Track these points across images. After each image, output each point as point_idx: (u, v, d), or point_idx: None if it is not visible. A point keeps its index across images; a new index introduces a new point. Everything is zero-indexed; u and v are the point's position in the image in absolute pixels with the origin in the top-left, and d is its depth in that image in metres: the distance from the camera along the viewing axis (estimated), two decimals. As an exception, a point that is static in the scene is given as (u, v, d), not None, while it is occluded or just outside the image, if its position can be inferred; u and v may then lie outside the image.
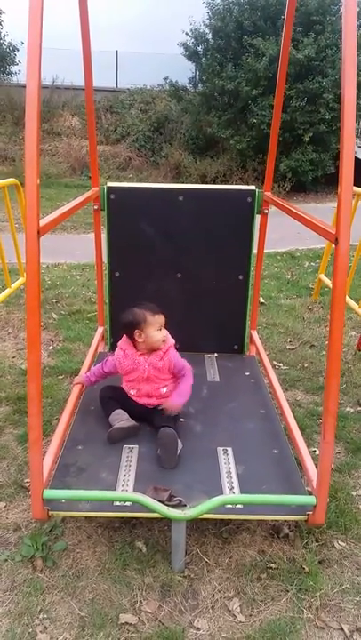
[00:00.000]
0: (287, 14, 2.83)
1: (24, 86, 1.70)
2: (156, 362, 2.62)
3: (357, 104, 12.57)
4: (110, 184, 3.26)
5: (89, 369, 3.18)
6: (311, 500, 2.05)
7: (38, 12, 1.67)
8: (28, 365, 1.84)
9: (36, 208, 1.72)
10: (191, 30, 13.46)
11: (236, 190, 3.32)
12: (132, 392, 2.68)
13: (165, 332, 2.64)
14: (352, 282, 4.92)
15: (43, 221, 1.85)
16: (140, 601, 2.00)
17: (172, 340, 2.66)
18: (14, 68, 16.49)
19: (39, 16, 1.67)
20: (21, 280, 4.77)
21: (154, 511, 1.98)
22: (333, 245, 1.79)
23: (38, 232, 1.73)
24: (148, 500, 1.98)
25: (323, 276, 5.20)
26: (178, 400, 2.58)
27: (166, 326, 2.67)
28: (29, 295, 1.78)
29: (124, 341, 2.69)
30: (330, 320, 1.81)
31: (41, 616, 1.94)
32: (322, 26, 11.85)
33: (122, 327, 2.67)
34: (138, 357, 2.63)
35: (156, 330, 2.59)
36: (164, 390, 2.66)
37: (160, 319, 2.59)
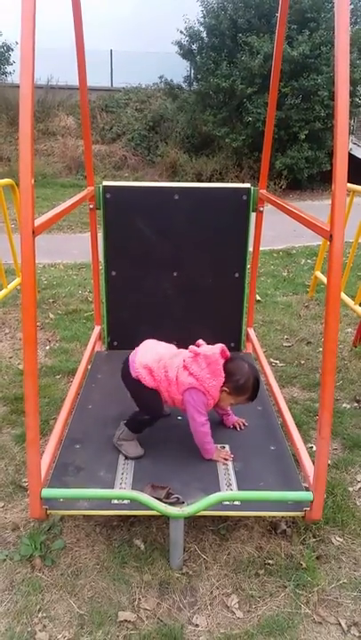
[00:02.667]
0: (280, 12, 2.84)
1: (19, 86, 1.70)
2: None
3: (352, 101, 12.64)
4: (106, 183, 3.26)
5: (86, 369, 3.19)
6: (308, 496, 2.06)
7: (31, 11, 1.67)
8: (25, 365, 1.84)
9: (31, 208, 1.72)
10: (186, 28, 13.44)
11: (232, 188, 3.32)
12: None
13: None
14: (348, 279, 4.93)
15: (38, 221, 1.85)
16: (139, 598, 2.01)
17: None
18: (9, 68, 16.43)
19: (32, 15, 1.67)
20: (18, 280, 4.76)
21: (152, 509, 1.98)
22: (328, 242, 1.79)
23: (33, 232, 1.73)
24: (145, 497, 1.99)
25: (319, 274, 5.21)
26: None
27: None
28: (25, 295, 1.78)
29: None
30: (325, 317, 1.81)
31: (40, 615, 1.94)
32: (316, 23, 11.86)
33: (234, 382, 2.37)
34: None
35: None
36: None
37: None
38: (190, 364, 2.35)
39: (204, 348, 2.42)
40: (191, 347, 2.42)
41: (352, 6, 12.71)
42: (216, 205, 3.24)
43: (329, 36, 11.57)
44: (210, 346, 2.43)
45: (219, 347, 2.40)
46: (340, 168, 1.69)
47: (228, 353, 2.42)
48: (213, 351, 2.37)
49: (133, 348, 3.36)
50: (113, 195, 3.23)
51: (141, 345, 2.54)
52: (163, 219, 3.24)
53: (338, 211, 1.71)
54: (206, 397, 2.35)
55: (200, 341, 2.47)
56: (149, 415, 2.44)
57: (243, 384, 2.36)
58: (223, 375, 2.34)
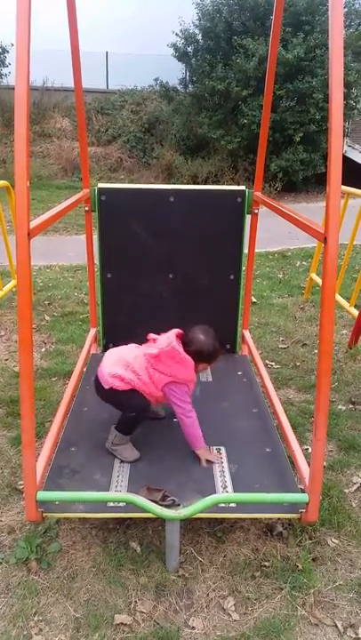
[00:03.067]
0: (275, 14, 2.85)
1: (14, 88, 1.70)
2: None
3: (346, 103, 12.68)
4: (101, 185, 3.27)
5: (82, 371, 3.18)
6: (304, 497, 2.06)
7: (26, 12, 1.67)
8: (20, 367, 1.84)
9: (26, 210, 1.72)
10: (181, 31, 13.45)
11: (227, 191, 3.33)
12: None
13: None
14: (343, 281, 4.94)
15: (33, 223, 1.85)
16: (135, 601, 2.00)
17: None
18: (4, 70, 16.41)
19: (27, 17, 1.67)
20: (13, 282, 4.76)
21: (148, 511, 1.98)
22: (323, 245, 1.80)
23: (28, 234, 1.73)
24: (141, 500, 1.99)
25: (314, 275, 5.23)
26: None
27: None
28: (21, 297, 1.77)
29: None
30: (320, 318, 1.82)
31: (36, 618, 1.94)
32: (311, 26, 11.90)
33: (200, 352, 2.41)
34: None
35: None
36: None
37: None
38: (157, 365, 2.37)
39: (160, 342, 2.41)
40: (147, 349, 2.42)
41: (346, 9, 12.77)
42: (211, 207, 3.25)
43: (324, 38, 11.61)
44: (164, 336, 2.43)
45: (174, 334, 2.42)
46: (335, 171, 1.70)
47: (180, 331, 2.44)
48: (171, 343, 2.36)
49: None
50: (108, 197, 3.23)
51: (105, 357, 2.53)
52: (158, 221, 3.24)
53: (332, 213, 1.72)
54: (187, 386, 2.41)
55: (151, 336, 2.48)
56: (135, 412, 2.43)
57: (211, 352, 2.43)
58: (190, 358, 2.37)
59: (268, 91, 3.12)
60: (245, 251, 3.41)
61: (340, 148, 1.70)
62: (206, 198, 3.27)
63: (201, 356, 2.41)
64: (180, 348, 2.37)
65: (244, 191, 3.24)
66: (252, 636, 1.88)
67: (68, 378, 3.42)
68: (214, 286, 3.39)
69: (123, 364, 2.42)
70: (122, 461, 2.41)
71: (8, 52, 15.95)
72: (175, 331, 2.45)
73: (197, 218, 3.25)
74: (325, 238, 1.76)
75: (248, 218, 3.33)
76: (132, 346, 2.56)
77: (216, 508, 2.07)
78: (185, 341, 2.41)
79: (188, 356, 2.37)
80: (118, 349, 2.56)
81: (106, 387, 2.41)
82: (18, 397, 3.16)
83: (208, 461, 2.41)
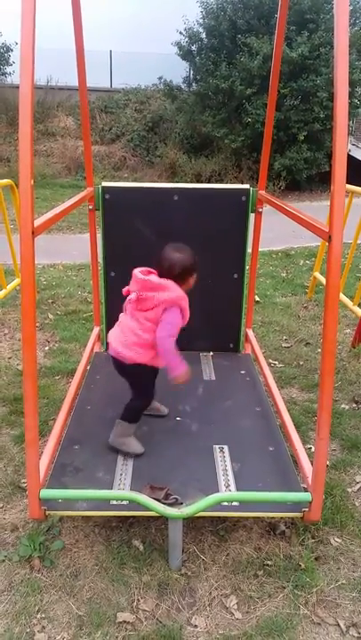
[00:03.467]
0: (280, 13, 2.84)
1: (18, 87, 1.70)
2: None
3: (350, 102, 12.64)
4: (105, 184, 3.27)
5: (85, 369, 3.19)
6: (307, 496, 2.06)
7: (31, 11, 1.67)
8: (24, 365, 1.84)
9: (31, 208, 1.72)
10: (185, 29, 13.45)
11: (231, 189, 3.32)
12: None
13: None
14: (347, 280, 4.93)
15: (37, 222, 1.85)
16: (138, 599, 2.01)
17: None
18: (8, 69, 16.44)
19: (32, 16, 1.67)
20: (17, 281, 4.76)
21: (150, 510, 1.98)
22: (327, 243, 1.80)
23: (33, 232, 1.74)
24: (144, 498, 1.99)
25: (318, 274, 5.22)
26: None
27: None
28: (25, 296, 1.78)
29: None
30: (324, 318, 1.82)
31: (39, 616, 1.94)
32: (315, 24, 11.87)
33: (183, 269, 2.33)
34: None
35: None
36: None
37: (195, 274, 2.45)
38: (142, 306, 2.30)
39: (133, 291, 2.33)
40: (127, 305, 2.38)
41: (351, 7, 12.72)
42: (215, 206, 3.24)
43: (328, 37, 11.58)
44: (138, 281, 2.32)
45: (140, 272, 2.33)
46: (339, 169, 1.69)
47: (148, 269, 2.36)
48: (141, 279, 2.29)
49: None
50: (112, 195, 3.23)
51: (108, 338, 2.50)
52: (162, 219, 3.24)
53: (337, 212, 1.72)
54: (180, 311, 2.31)
55: (129, 289, 2.37)
56: (146, 397, 2.50)
57: (193, 262, 2.36)
58: (173, 282, 2.29)
59: (272, 89, 3.11)
60: (249, 249, 3.41)
61: (344, 146, 1.69)
62: (210, 197, 3.27)
63: (186, 273, 2.34)
64: (154, 277, 2.29)
65: (248, 190, 3.24)
66: (254, 634, 1.88)
67: (72, 376, 3.43)
68: (218, 285, 3.38)
69: (121, 331, 2.40)
70: (126, 456, 2.41)
71: (12, 50, 15.97)
72: (140, 270, 2.36)
73: (201, 216, 3.25)
74: (330, 237, 1.75)
75: (252, 216, 3.33)
76: (123, 315, 2.47)
77: (219, 506, 2.07)
78: (166, 271, 2.31)
79: (165, 280, 2.28)
80: (115, 326, 2.49)
81: (128, 361, 2.35)
82: (21, 395, 3.17)
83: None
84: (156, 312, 2.29)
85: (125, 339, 2.36)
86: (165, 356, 2.29)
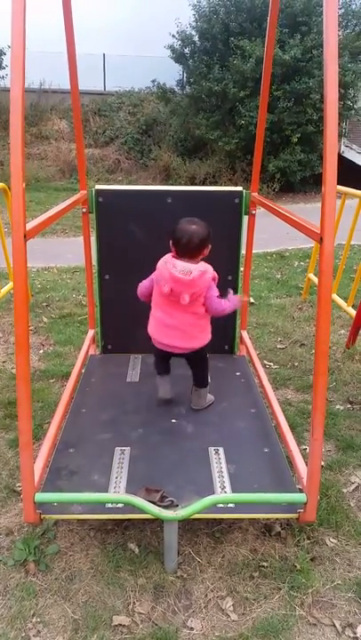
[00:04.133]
0: (270, 15, 2.85)
1: (8, 90, 1.70)
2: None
3: (343, 104, 12.71)
4: (98, 187, 3.27)
5: (79, 372, 3.19)
6: (302, 497, 2.06)
7: (21, 14, 1.67)
8: (17, 369, 1.84)
9: (23, 212, 1.72)
10: (178, 32, 13.47)
11: (224, 192, 3.33)
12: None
13: None
14: (341, 280, 4.94)
15: (30, 225, 1.85)
16: (134, 602, 2.00)
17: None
18: (1, 72, 16.43)
19: (21, 19, 1.67)
20: (11, 284, 4.75)
21: (146, 512, 1.98)
22: (319, 245, 1.80)
23: (25, 236, 1.74)
24: (139, 501, 1.99)
25: (312, 276, 5.23)
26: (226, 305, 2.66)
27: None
28: (17, 299, 1.78)
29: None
30: (316, 318, 1.82)
31: (34, 620, 1.94)
32: (308, 27, 11.92)
33: (201, 240, 2.51)
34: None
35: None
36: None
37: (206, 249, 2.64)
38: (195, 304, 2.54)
39: (175, 290, 2.49)
40: (165, 299, 2.56)
41: (342, 10, 12.80)
42: (209, 208, 3.24)
43: (320, 39, 11.61)
44: (168, 274, 2.49)
45: (171, 263, 2.50)
46: (330, 171, 1.70)
47: (174, 256, 2.54)
48: (190, 284, 2.47)
49: (127, 352, 3.38)
50: (105, 198, 3.23)
51: (160, 338, 2.66)
52: (156, 222, 3.24)
53: (328, 213, 1.73)
54: (215, 280, 2.57)
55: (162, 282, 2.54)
56: (207, 362, 2.85)
57: (207, 236, 2.54)
58: (196, 264, 2.50)
59: (264, 91, 3.12)
60: (243, 251, 3.42)
61: (335, 149, 1.70)
62: (204, 199, 3.28)
63: (203, 244, 2.53)
64: (188, 275, 2.45)
65: (241, 192, 3.25)
66: (250, 636, 1.88)
67: (66, 379, 3.42)
68: None
69: (183, 334, 2.61)
70: (122, 455, 2.41)
71: (5, 54, 15.95)
72: (168, 259, 2.55)
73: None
74: (321, 238, 1.76)
75: (245, 219, 3.33)
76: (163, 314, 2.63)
77: (214, 508, 2.07)
78: (185, 245, 2.48)
79: (192, 269, 2.46)
80: (162, 327, 2.64)
81: (197, 348, 2.65)
82: (16, 399, 3.17)
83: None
84: (201, 298, 2.54)
85: (190, 333, 2.61)
86: (228, 312, 2.67)
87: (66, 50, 2.88)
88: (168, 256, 2.57)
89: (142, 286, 2.73)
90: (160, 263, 2.58)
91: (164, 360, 2.85)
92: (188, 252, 2.49)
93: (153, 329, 2.68)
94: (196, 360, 2.79)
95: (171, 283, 2.48)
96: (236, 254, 3.34)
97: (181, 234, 2.48)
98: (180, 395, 2.94)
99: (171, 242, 2.54)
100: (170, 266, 2.49)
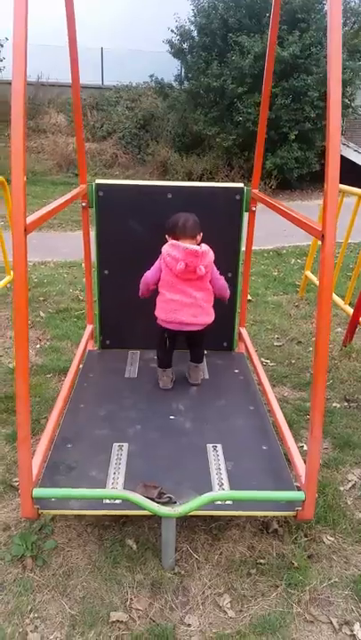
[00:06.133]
0: (273, 12, 2.84)
1: (9, 83, 1.69)
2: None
3: (341, 102, 12.69)
4: (99, 181, 3.25)
5: (77, 368, 3.18)
6: (300, 495, 2.06)
7: (23, 7, 1.65)
8: (16, 363, 1.83)
9: (23, 206, 1.70)
10: (176, 27, 13.41)
11: (225, 188, 3.32)
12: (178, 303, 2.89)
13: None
14: (338, 279, 4.95)
15: (30, 219, 1.83)
16: (131, 598, 2.00)
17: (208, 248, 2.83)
18: (-1, 64, 16.29)
19: (24, 12, 1.66)
20: (8, 278, 4.73)
21: (144, 508, 1.98)
22: (320, 242, 1.80)
23: (25, 229, 1.72)
24: (137, 497, 1.98)
25: (309, 273, 5.23)
26: (225, 290, 2.99)
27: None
28: (17, 293, 1.76)
29: None
30: (316, 317, 1.82)
31: (31, 615, 1.93)
32: (307, 24, 11.88)
33: (198, 222, 2.83)
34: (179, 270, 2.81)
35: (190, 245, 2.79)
36: (202, 302, 2.86)
37: (190, 238, 2.82)
38: (206, 278, 2.79)
39: (193, 264, 2.71)
40: (176, 277, 2.76)
41: (341, 7, 12.75)
42: (209, 205, 3.23)
43: (319, 36, 11.61)
44: (178, 255, 2.71)
45: (182, 250, 2.70)
46: (332, 169, 1.69)
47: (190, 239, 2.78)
48: (204, 255, 2.72)
49: (126, 347, 3.38)
50: (106, 193, 3.21)
51: (175, 317, 2.82)
52: (156, 217, 3.22)
53: (330, 210, 1.72)
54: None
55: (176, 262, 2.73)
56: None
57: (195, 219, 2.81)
58: (197, 234, 2.79)
59: (265, 88, 3.11)
60: (243, 248, 3.41)
61: (337, 145, 1.70)
62: (204, 195, 3.26)
63: (200, 227, 2.81)
64: (177, 244, 2.72)
65: (242, 189, 3.24)
66: (247, 633, 1.88)
67: (64, 374, 3.42)
68: None
69: (199, 310, 2.82)
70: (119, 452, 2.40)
71: (2, 45, 15.83)
72: (173, 243, 2.76)
73: (195, 215, 3.24)
74: (323, 236, 1.76)
75: (246, 215, 3.33)
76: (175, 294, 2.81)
77: (212, 505, 2.07)
78: (192, 227, 2.77)
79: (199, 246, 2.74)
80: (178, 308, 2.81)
81: (209, 323, 2.88)
82: (12, 394, 3.16)
83: None
84: (209, 274, 2.80)
85: (206, 309, 2.84)
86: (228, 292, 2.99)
87: (64, 43, 2.85)
88: (170, 242, 2.77)
89: (148, 277, 2.86)
90: (166, 249, 2.76)
91: (171, 349, 2.99)
92: (188, 231, 2.75)
93: (169, 312, 2.81)
94: (202, 337, 2.96)
95: (185, 258, 2.67)
96: (237, 251, 3.33)
97: (178, 217, 2.77)
98: (178, 391, 2.93)
99: (168, 232, 2.80)
100: (180, 245, 2.70)
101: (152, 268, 2.86)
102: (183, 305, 2.78)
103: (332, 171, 1.69)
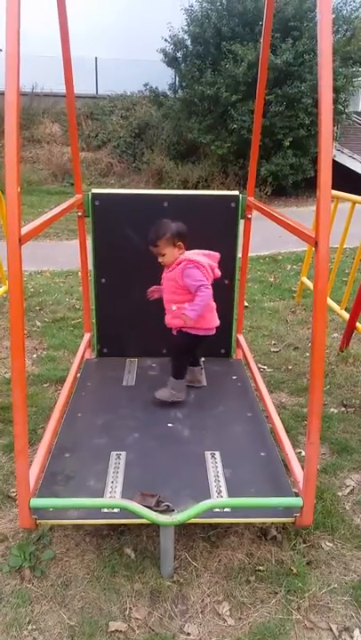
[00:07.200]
0: (265, 20, 2.87)
1: (1, 93, 1.70)
2: (166, 275, 2.84)
3: (335, 108, 12.78)
4: (95, 190, 3.26)
5: (75, 377, 3.18)
6: (298, 501, 2.06)
7: (15, 17, 1.67)
8: (13, 373, 1.83)
9: (17, 216, 1.71)
10: (170, 37, 13.52)
11: (221, 196, 3.34)
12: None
13: (171, 255, 2.77)
14: (334, 284, 4.97)
15: (24, 229, 1.84)
16: (130, 608, 1.99)
17: (187, 257, 2.76)
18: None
19: (16, 23, 1.67)
20: (4, 288, 4.73)
21: (142, 517, 1.97)
22: (314, 249, 1.81)
23: (20, 240, 1.73)
24: (135, 506, 1.98)
25: (305, 279, 5.25)
26: (188, 310, 2.70)
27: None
28: (12, 303, 1.77)
29: None
30: (312, 322, 1.83)
31: (30, 627, 1.92)
32: (299, 32, 12.00)
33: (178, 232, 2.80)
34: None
35: (157, 255, 2.79)
36: (174, 307, 2.81)
37: (151, 248, 2.78)
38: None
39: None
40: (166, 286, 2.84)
41: (333, 15, 12.89)
42: (205, 213, 3.25)
43: (312, 44, 11.71)
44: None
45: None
46: (325, 175, 1.71)
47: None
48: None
49: (123, 356, 3.39)
50: (102, 202, 3.23)
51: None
52: (152, 226, 3.24)
53: (323, 218, 1.73)
54: (200, 269, 2.73)
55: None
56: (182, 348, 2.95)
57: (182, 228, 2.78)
58: (177, 242, 2.74)
59: (259, 96, 3.13)
60: (239, 255, 3.42)
61: (329, 152, 1.71)
62: (200, 203, 3.28)
63: (178, 233, 2.75)
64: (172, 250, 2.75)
65: (237, 196, 3.26)
66: (247, 641, 1.87)
67: (60, 384, 3.41)
68: None
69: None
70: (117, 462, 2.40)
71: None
72: (192, 255, 2.78)
73: (191, 223, 3.24)
74: (316, 242, 1.77)
75: (241, 222, 3.34)
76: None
77: (210, 512, 2.07)
78: (171, 244, 2.74)
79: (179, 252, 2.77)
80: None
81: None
82: (9, 404, 3.15)
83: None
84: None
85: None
86: (203, 305, 2.80)
87: (59, 53, 2.87)
88: (189, 253, 2.78)
89: (210, 294, 2.75)
90: (198, 259, 2.74)
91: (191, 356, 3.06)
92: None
93: (215, 318, 2.90)
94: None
95: (215, 263, 2.83)
96: (233, 258, 3.35)
97: (179, 223, 2.78)
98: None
99: (179, 238, 2.75)
100: (202, 252, 2.81)
101: (204, 282, 2.70)
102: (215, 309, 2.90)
103: (324, 178, 1.71)
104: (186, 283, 2.72)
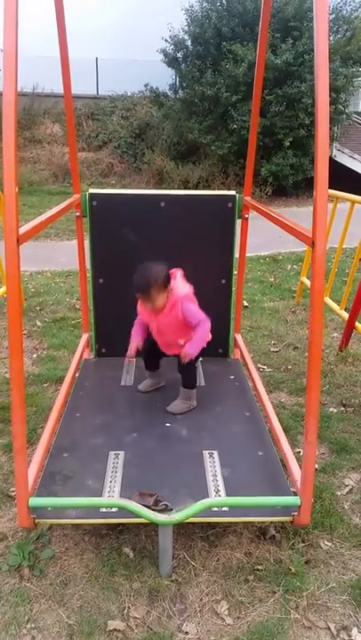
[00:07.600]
0: (262, 20, 2.87)
1: (0, 94, 1.70)
2: (162, 318, 2.76)
3: (335, 108, 12.78)
4: (92, 191, 3.27)
5: (74, 376, 3.18)
6: (296, 500, 2.07)
7: (13, 18, 1.67)
8: (11, 373, 1.84)
9: (15, 216, 1.72)
10: (170, 37, 13.52)
11: (217, 196, 3.34)
12: (157, 342, 2.90)
13: (163, 299, 2.70)
14: (333, 284, 4.97)
15: (22, 229, 1.85)
16: (128, 607, 2.00)
17: (179, 295, 2.72)
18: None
19: (14, 23, 1.68)
20: (4, 288, 4.73)
21: (140, 516, 1.98)
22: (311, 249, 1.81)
23: (18, 240, 1.73)
24: (134, 505, 1.99)
25: (305, 279, 5.25)
26: (189, 349, 2.68)
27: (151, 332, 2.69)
28: (10, 304, 1.77)
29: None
30: (309, 321, 1.83)
31: (29, 626, 1.93)
32: (299, 32, 11.99)
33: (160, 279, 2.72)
34: (151, 314, 2.78)
35: (145, 303, 2.73)
36: (181, 342, 2.78)
37: (140, 297, 2.73)
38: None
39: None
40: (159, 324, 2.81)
41: (333, 15, 12.90)
42: (202, 213, 3.26)
43: (312, 44, 11.63)
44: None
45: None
46: (321, 176, 1.71)
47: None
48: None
49: (122, 355, 3.39)
50: (99, 202, 3.23)
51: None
52: (149, 226, 3.24)
53: (319, 218, 1.74)
54: (193, 302, 2.78)
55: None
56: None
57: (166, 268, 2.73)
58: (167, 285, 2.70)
59: (256, 96, 3.14)
60: (236, 255, 3.43)
61: (326, 153, 1.71)
62: (197, 203, 3.29)
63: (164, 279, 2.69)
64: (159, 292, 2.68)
65: (234, 196, 3.26)
66: (245, 639, 1.88)
67: (60, 384, 3.41)
68: (206, 291, 3.37)
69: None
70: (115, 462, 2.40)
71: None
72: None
73: (188, 223, 3.26)
74: (313, 242, 1.77)
75: (239, 222, 3.35)
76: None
77: (209, 512, 2.07)
78: (163, 289, 2.68)
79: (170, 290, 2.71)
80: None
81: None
82: (8, 404, 3.15)
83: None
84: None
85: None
86: (204, 341, 2.81)
87: (59, 53, 2.88)
88: (172, 287, 2.74)
89: (209, 326, 2.78)
90: (186, 291, 2.77)
91: None
92: None
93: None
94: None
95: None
96: (230, 258, 3.35)
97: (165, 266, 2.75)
98: (174, 398, 2.94)
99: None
100: (179, 279, 2.79)
101: (202, 317, 2.75)
102: None
103: (320, 178, 1.71)
104: (186, 319, 2.72)
